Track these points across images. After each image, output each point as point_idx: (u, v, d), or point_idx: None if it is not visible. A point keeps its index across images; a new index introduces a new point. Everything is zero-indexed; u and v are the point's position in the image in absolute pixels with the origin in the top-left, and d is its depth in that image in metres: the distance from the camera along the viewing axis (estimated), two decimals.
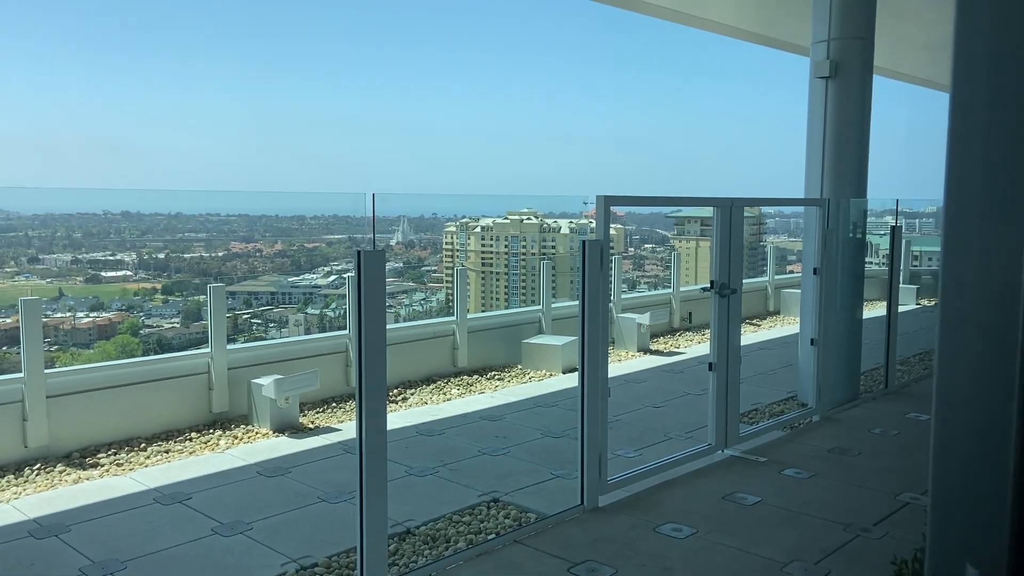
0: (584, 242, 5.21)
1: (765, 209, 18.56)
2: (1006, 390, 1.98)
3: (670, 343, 11.46)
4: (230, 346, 7.50)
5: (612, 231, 16.53)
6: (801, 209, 8.45)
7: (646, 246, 21.09)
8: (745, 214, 6.40)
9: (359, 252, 4.01)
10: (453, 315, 9.52)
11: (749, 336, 11.92)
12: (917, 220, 17.82)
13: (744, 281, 12.86)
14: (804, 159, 7.87)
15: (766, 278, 14.52)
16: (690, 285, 13.38)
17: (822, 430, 7.03)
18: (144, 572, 4.47)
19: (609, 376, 9.26)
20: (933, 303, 12.17)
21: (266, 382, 7.01)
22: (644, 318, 10.66)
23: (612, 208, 5.46)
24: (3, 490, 5.67)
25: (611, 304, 11.23)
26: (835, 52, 7.50)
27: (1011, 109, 2.02)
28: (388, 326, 10.03)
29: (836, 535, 4.85)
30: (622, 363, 10.09)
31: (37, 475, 5.97)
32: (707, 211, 6.55)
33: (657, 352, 10.80)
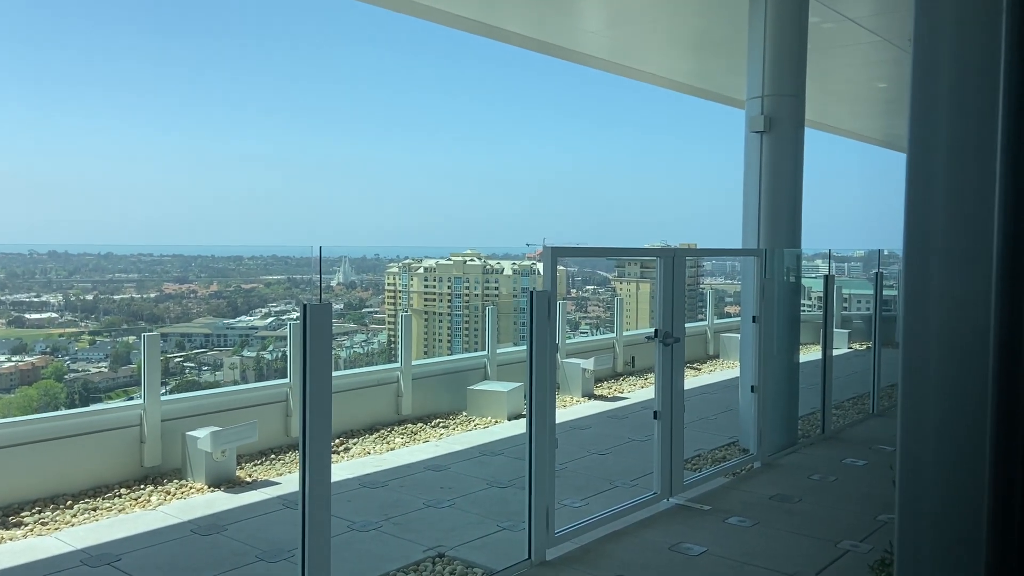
0: (532, 292, 5.22)
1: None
2: (973, 432, 2.00)
3: (614, 388, 11.53)
4: (164, 396, 7.25)
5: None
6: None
7: (587, 287, 21.33)
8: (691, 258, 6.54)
9: (305, 305, 3.94)
10: (396, 360, 9.40)
11: (690, 380, 12.05)
12: (846, 264, 18.49)
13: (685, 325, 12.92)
14: (740, 207, 8.10)
15: (705, 322, 14.79)
16: (631, 329, 13.53)
17: (763, 476, 7.12)
18: None
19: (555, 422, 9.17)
20: (865, 347, 12.56)
21: (202, 434, 6.79)
22: (589, 363, 10.72)
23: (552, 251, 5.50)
24: None
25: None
26: (769, 108, 7.78)
27: (972, 152, 2.05)
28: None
29: None
30: (567, 409, 10.10)
31: None
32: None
33: (601, 397, 10.85)
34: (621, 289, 18.99)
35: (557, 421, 9.10)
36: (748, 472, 7.24)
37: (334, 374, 9.60)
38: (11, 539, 5.65)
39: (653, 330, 6.38)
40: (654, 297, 6.46)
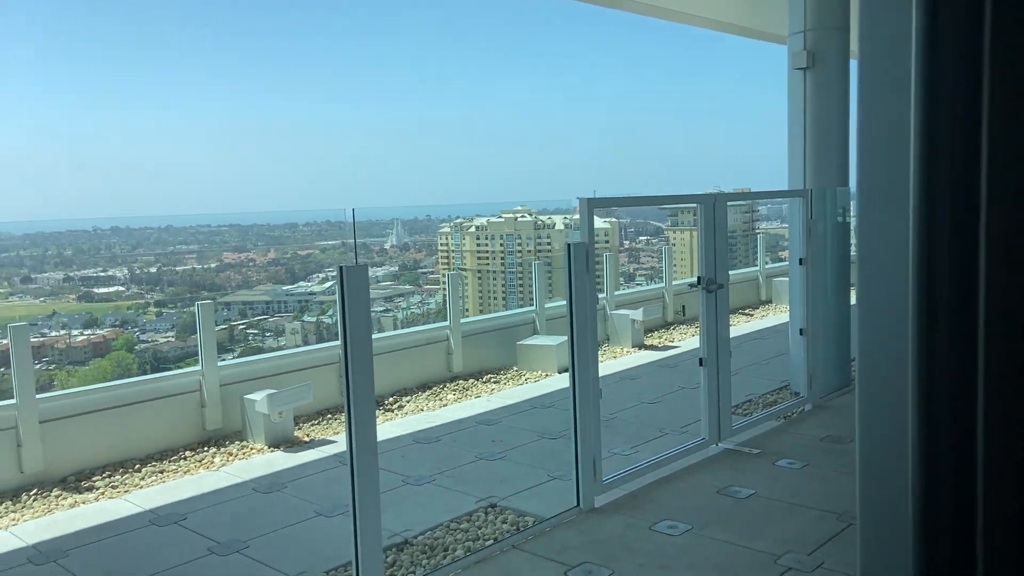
0: (569, 245, 5.23)
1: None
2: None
3: (664, 337, 11.49)
4: (222, 362, 7.51)
5: (606, 225, 16.37)
6: None
7: (641, 238, 21.13)
8: (738, 203, 6.44)
9: (341, 268, 4.01)
10: (447, 320, 9.53)
11: (742, 326, 11.95)
12: None
13: (736, 271, 12.89)
14: (786, 148, 7.90)
15: (757, 267, 14.56)
16: (686, 278, 13.41)
17: (814, 419, 7.05)
18: None
19: (604, 374, 9.28)
20: None
21: (259, 397, 7.02)
22: (637, 314, 10.69)
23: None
24: (1, 517, 5.68)
25: (604, 302, 11.25)
26: (812, 43, 7.52)
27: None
28: (383, 333, 9.98)
29: (829, 525, 4.87)
30: (617, 360, 10.12)
31: (34, 501, 5.98)
32: None
33: (652, 347, 10.83)
34: (675, 238, 18.77)
35: (606, 372, 9.14)
36: (799, 415, 7.18)
37: (386, 334, 9.76)
38: (84, 502, 5.98)
39: (696, 277, 6.33)
40: None
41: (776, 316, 12.90)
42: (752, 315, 13.19)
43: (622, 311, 10.86)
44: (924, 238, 1.08)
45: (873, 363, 2.16)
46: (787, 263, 14.78)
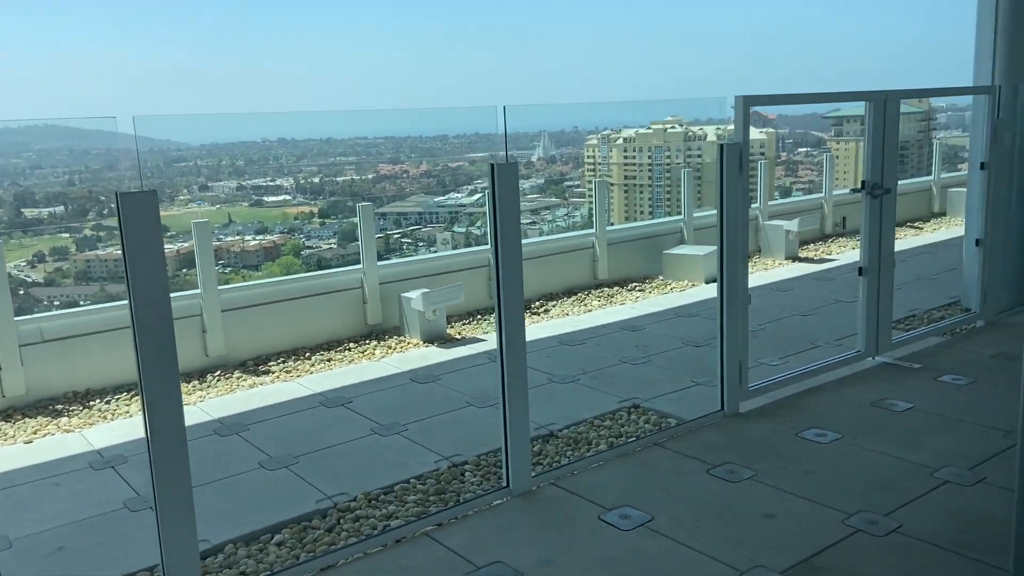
0: (721, 146, 5.07)
1: (936, 102, 17.02)
2: None
3: (821, 250, 10.99)
4: (381, 263, 7.92)
5: (762, 135, 15.68)
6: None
7: (800, 150, 20.06)
8: (912, 109, 5.99)
9: (492, 165, 4.10)
10: (593, 228, 9.53)
11: (909, 240, 11.24)
12: None
13: (906, 181, 12.11)
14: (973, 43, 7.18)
15: (930, 177, 13.50)
16: (846, 189, 12.68)
17: (986, 336, 6.61)
18: (315, 466, 4.93)
19: (753, 285, 9.07)
20: None
21: (414, 295, 7.38)
22: (792, 225, 10.26)
23: (761, 111, 5.27)
24: (190, 394, 6.36)
25: (757, 211, 10.85)
26: None
27: None
28: (528, 240, 10.14)
29: (995, 442, 4.63)
30: (768, 272, 9.81)
31: (218, 381, 6.64)
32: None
33: (807, 259, 10.40)
34: (837, 149, 17.72)
35: (756, 284, 8.90)
36: (968, 332, 6.75)
37: (533, 240, 9.90)
38: (261, 384, 6.58)
39: (860, 182, 5.99)
40: None
41: (949, 230, 12.00)
42: (922, 228, 12.34)
43: (776, 222, 10.45)
44: None
45: None
46: (962, 173, 13.64)
